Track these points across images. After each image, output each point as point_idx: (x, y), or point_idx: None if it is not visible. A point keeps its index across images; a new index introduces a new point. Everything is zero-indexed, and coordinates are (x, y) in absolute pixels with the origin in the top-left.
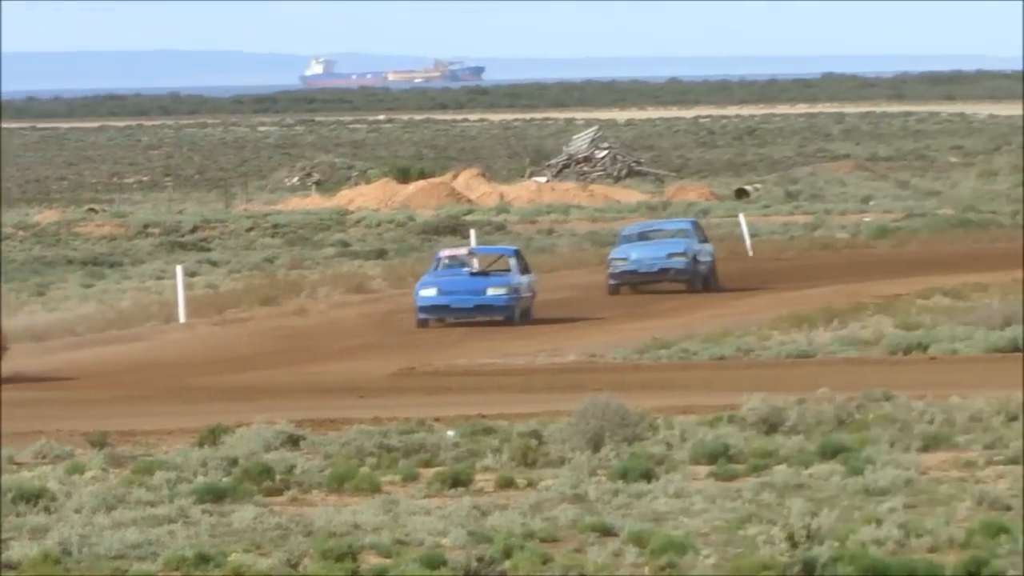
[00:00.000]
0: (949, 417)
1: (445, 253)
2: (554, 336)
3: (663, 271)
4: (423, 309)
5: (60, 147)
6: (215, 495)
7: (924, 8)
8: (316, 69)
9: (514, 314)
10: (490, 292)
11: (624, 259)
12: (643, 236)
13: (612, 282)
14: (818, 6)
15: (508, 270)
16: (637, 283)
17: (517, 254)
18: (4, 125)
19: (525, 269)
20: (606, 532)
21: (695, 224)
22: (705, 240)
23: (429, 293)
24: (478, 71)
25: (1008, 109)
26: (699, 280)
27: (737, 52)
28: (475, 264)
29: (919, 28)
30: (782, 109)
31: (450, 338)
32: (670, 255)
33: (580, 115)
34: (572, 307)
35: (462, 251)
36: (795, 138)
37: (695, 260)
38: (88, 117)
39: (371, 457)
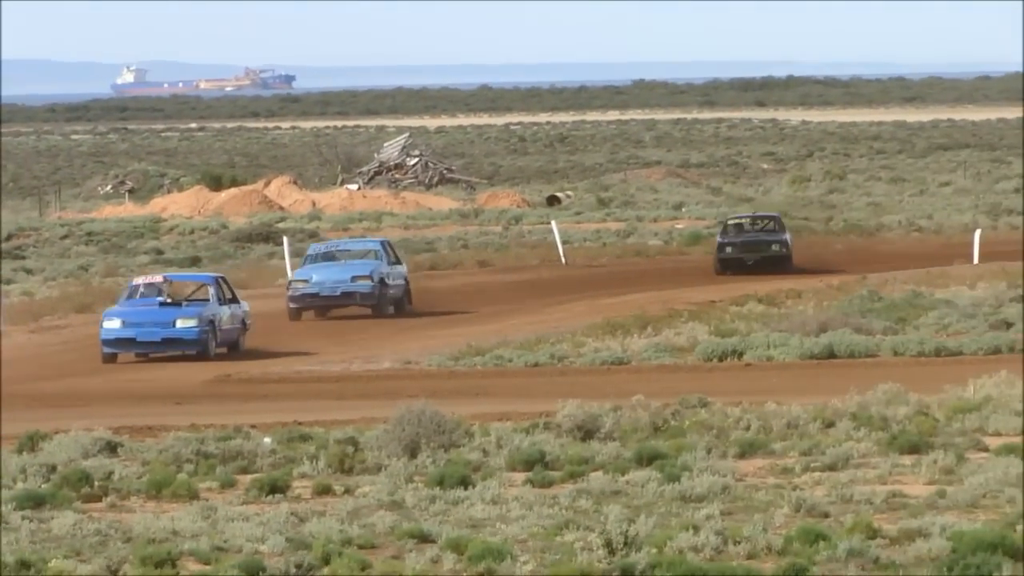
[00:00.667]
0: (765, 424)
1: (139, 280)
2: (369, 343)
3: (347, 295)
4: (107, 343)
5: None
6: (34, 501)
7: (733, 14)
8: (127, 77)
9: (208, 348)
10: (179, 324)
11: (305, 281)
12: (329, 256)
13: (292, 306)
14: (627, 12)
15: (207, 299)
16: (319, 307)
17: (218, 281)
18: None
19: (231, 298)
20: (424, 539)
21: (386, 244)
22: (397, 261)
23: (113, 325)
24: (289, 79)
25: (819, 115)
26: (387, 304)
27: (547, 59)
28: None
29: (729, 34)
30: (593, 116)
31: (264, 346)
32: (354, 278)
33: (391, 122)
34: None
35: (157, 279)
36: (606, 145)
37: (382, 283)
38: None
39: (189, 464)
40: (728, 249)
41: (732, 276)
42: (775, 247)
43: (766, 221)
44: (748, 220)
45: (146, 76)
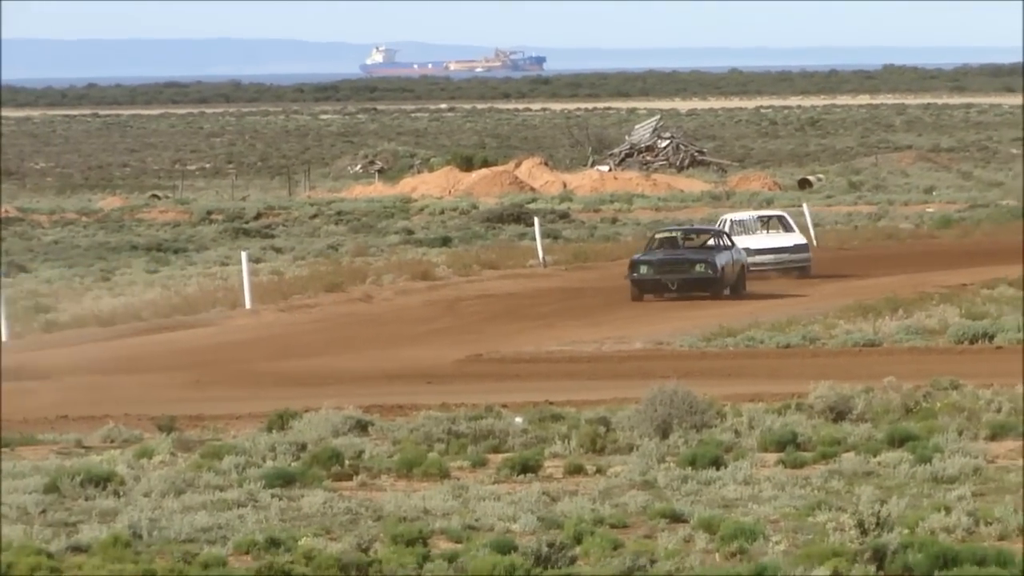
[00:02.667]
0: (1016, 406)
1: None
2: (621, 324)
3: None
4: None
5: (122, 134)
6: (284, 480)
7: (984, 2)
8: (377, 58)
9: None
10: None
11: None
12: None
13: None
14: None
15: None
16: None
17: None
18: (67, 112)
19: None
20: (676, 518)
21: None
22: None
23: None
24: (539, 61)
25: None
26: None
27: (797, 44)
28: None
29: (979, 21)
30: (843, 100)
31: (515, 326)
32: None
33: (642, 105)
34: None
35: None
36: (857, 129)
37: None
38: (149, 104)
39: (439, 443)
40: (643, 269)
41: (656, 300)
42: (700, 267)
43: (706, 236)
44: (681, 234)
45: (395, 57)
